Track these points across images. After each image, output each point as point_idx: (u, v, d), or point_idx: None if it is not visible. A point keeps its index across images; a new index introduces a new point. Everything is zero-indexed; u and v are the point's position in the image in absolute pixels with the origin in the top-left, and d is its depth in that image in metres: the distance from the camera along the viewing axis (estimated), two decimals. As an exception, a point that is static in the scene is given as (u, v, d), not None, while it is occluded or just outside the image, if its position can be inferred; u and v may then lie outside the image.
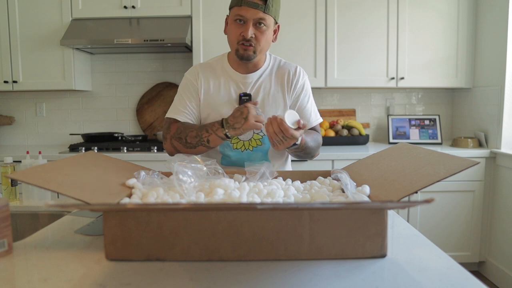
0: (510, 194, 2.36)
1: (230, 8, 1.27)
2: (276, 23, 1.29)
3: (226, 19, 1.31)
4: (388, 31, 2.71)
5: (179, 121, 1.33)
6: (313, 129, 1.41)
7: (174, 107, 1.36)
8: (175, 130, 1.30)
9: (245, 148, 1.35)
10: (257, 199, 0.90)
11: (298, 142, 1.18)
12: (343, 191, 0.96)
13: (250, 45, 1.24)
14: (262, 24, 1.22)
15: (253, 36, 1.23)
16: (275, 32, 1.31)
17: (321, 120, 1.44)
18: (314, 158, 1.40)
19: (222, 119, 1.21)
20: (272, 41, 1.31)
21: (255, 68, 1.33)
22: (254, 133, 1.33)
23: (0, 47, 2.69)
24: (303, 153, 1.29)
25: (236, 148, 1.35)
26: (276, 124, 1.09)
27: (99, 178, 0.93)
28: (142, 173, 1.01)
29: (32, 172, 0.80)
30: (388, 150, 1.12)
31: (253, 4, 1.20)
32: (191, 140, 1.25)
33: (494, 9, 2.55)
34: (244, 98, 1.31)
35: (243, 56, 1.26)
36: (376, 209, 0.75)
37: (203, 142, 1.23)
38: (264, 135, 1.34)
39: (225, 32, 1.31)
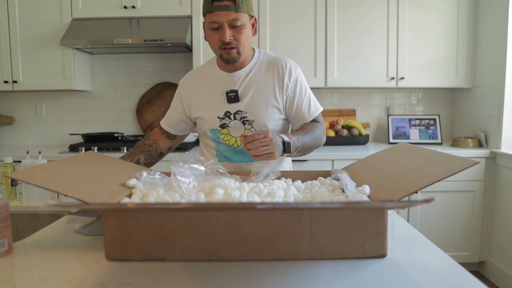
0: (510, 194, 2.36)
1: (204, 15, 1.27)
2: (252, 16, 1.29)
3: (204, 26, 1.31)
4: (388, 31, 2.71)
5: (159, 129, 1.49)
6: (313, 120, 1.39)
7: (166, 113, 1.49)
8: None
9: (237, 145, 1.36)
10: (257, 199, 0.90)
11: (288, 140, 1.18)
12: (343, 191, 0.96)
13: (232, 47, 1.24)
14: (238, 24, 1.22)
15: (232, 38, 1.23)
16: (253, 26, 1.31)
17: (320, 109, 1.41)
18: (320, 148, 1.41)
19: None
20: (253, 35, 1.31)
21: (242, 65, 1.34)
22: (245, 129, 1.34)
23: (0, 47, 2.69)
24: (303, 151, 1.29)
25: (229, 144, 1.37)
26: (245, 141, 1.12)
27: (99, 178, 0.93)
28: (144, 173, 1.01)
29: (32, 172, 0.80)
30: (388, 150, 1.12)
31: (223, 7, 1.19)
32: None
33: (494, 9, 2.55)
34: (231, 95, 1.32)
35: (228, 59, 1.27)
36: (376, 209, 0.75)
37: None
38: (256, 131, 1.34)
39: (205, 39, 1.31)
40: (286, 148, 1.18)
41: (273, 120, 1.35)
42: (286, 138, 1.18)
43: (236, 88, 1.33)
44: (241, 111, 1.33)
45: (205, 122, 1.37)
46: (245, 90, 1.33)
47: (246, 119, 1.33)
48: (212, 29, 1.24)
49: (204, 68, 1.41)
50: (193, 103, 1.38)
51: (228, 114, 1.34)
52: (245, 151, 1.34)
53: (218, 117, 1.34)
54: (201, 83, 1.38)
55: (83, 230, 0.97)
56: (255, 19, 1.32)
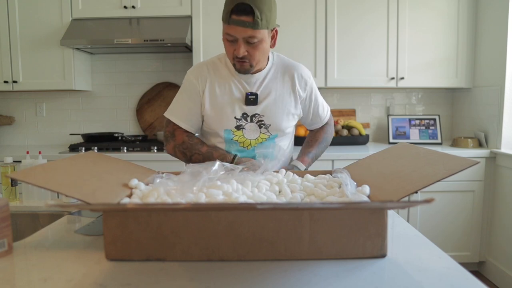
0: (510, 194, 2.36)
1: (222, 19, 1.23)
2: (272, 30, 1.25)
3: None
4: (388, 31, 2.71)
5: (183, 130, 1.37)
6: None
7: (176, 109, 1.37)
8: (181, 142, 1.35)
9: (251, 146, 1.36)
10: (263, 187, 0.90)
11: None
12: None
13: (244, 61, 1.23)
14: (254, 41, 1.19)
15: (246, 53, 1.21)
16: (273, 37, 1.27)
17: (329, 111, 1.55)
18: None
19: (235, 156, 1.31)
20: (271, 47, 1.28)
21: (258, 70, 1.32)
22: (260, 133, 1.34)
23: (0, 47, 2.69)
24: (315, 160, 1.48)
25: (243, 146, 1.36)
26: None
27: (99, 178, 0.93)
28: (157, 179, 1.00)
29: (32, 172, 0.80)
30: (388, 150, 1.12)
31: (241, 23, 1.15)
32: (195, 160, 1.33)
33: (494, 9, 2.55)
34: (251, 97, 1.31)
35: (240, 70, 1.27)
36: (376, 209, 0.75)
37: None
38: (271, 135, 1.35)
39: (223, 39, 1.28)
40: None
41: (288, 126, 1.39)
42: (302, 168, 1.37)
43: (254, 91, 1.32)
44: (258, 114, 1.33)
45: (218, 122, 1.33)
46: (263, 94, 1.33)
47: (262, 122, 1.33)
48: (227, 40, 1.22)
49: (218, 65, 1.35)
50: (209, 101, 1.33)
51: (245, 115, 1.33)
52: (256, 151, 1.37)
53: (235, 118, 1.32)
54: (217, 81, 1.34)
55: (83, 230, 0.97)
56: (276, 30, 1.27)
